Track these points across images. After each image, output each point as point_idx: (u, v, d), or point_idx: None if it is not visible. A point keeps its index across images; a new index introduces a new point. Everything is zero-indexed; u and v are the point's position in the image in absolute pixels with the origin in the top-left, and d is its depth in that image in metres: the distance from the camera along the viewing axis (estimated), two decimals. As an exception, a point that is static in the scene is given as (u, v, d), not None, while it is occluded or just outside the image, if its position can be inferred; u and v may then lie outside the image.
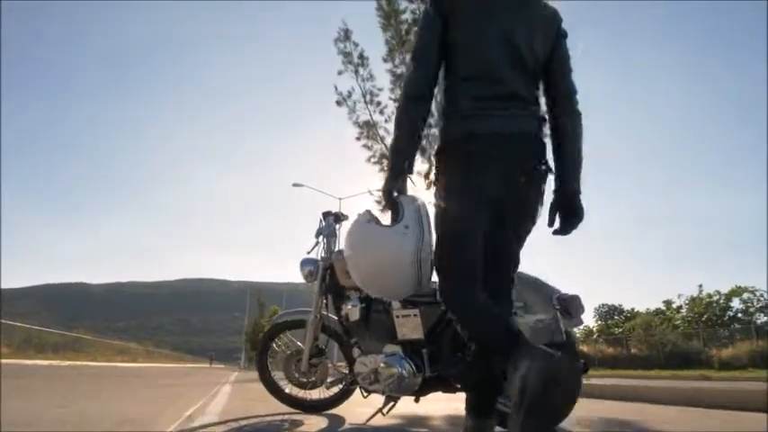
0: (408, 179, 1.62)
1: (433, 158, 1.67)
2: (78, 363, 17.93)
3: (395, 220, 1.65)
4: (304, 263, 2.94)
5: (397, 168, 1.58)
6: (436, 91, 1.64)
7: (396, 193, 1.61)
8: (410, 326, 2.35)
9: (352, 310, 2.56)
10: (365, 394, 2.58)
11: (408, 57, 1.61)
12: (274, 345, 3.20)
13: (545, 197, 1.64)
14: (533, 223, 1.64)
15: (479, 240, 1.52)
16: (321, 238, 2.95)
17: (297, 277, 2.99)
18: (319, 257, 2.91)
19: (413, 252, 1.61)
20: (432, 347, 2.32)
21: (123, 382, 6.77)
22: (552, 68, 1.66)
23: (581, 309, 2.03)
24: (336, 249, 2.86)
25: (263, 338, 3.23)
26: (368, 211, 1.74)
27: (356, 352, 2.60)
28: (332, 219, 3.02)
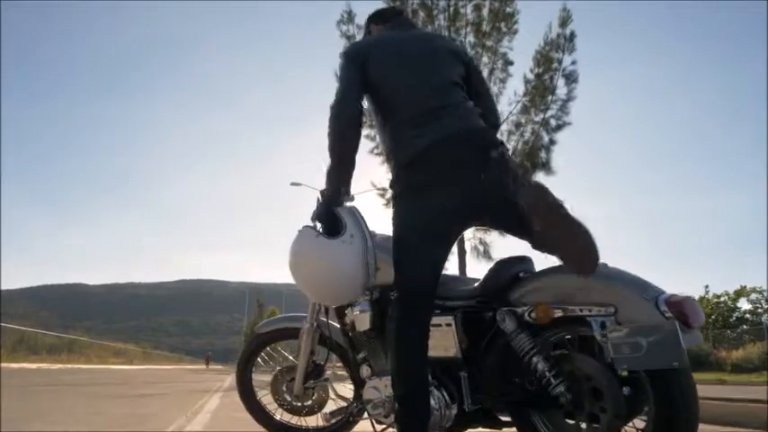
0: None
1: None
2: (70, 366, 17.34)
3: (337, 232, 1.71)
4: None
5: (333, 193, 1.76)
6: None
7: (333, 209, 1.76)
8: (442, 339, 1.73)
9: (361, 317, 1.94)
10: (378, 428, 1.95)
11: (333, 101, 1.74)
12: (259, 359, 2.54)
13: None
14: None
15: (429, 267, 1.63)
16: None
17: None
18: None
19: (361, 257, 1.71)
20: (472, 369, 1.71)
21: (100, 392, 6.14)
22: (473, 86, 1.88)
23: (701, 316, 1.38)
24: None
25: (245, 352, 2.56)
26: (308, 227, 1.79)
27: (365, 372, 1.99)
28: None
